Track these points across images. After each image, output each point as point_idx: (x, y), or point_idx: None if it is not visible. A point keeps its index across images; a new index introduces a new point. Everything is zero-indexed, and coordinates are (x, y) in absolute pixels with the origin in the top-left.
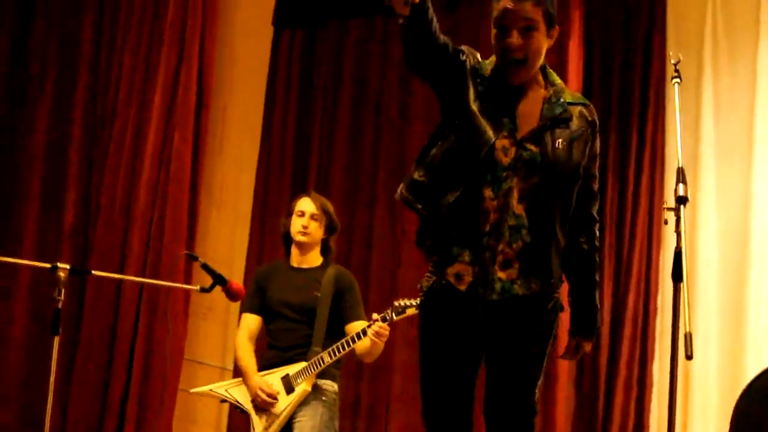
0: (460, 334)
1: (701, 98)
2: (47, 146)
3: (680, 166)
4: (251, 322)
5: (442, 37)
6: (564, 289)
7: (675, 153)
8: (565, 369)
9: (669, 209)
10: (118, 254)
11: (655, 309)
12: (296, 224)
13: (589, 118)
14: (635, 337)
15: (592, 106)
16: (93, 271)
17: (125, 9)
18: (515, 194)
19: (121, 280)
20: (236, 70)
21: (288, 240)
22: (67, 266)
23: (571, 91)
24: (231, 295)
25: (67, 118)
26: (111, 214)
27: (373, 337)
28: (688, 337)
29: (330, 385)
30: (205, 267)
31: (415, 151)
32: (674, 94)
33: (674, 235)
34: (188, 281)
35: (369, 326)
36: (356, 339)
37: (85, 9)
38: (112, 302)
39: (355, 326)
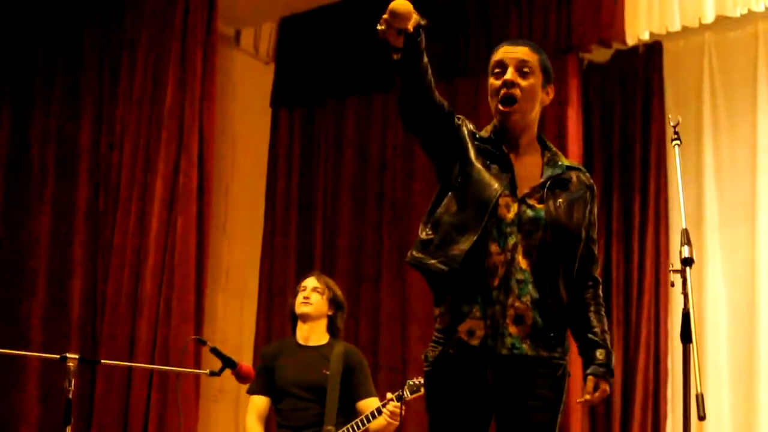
0: (469, 401)
1: (702, 159)
2: (51, 240)
3: (684, 227)
4: (259, 403)
5: (437, 94)
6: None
7: (678, 215)
8: None
9: (675, 271)
10: (126, 342)
11: (666, 371)
12: (299, 298)
13: (587, 183)
14: (647, 400)
15: (587, 173)
16: (102, 360)
17: (123, 95)
18: (520, 250)
19: (130, 368)
20: (237, 150)
21: (294, 318)
22: (76, 356)
23: (566, 157)
24: (241, 377)
25: (70, 211)
26: (118, 303)
27: (388, 418)
28: (700, 398)
29: None
30: (214, 351)
31: (419, 224)
32: (675, 155)
33: (681, 297)
34: (198, 365)
35: (384, 405)
36: (372, 417)
37: (85, 95)
38: (123, 390)
39: (368, 403)
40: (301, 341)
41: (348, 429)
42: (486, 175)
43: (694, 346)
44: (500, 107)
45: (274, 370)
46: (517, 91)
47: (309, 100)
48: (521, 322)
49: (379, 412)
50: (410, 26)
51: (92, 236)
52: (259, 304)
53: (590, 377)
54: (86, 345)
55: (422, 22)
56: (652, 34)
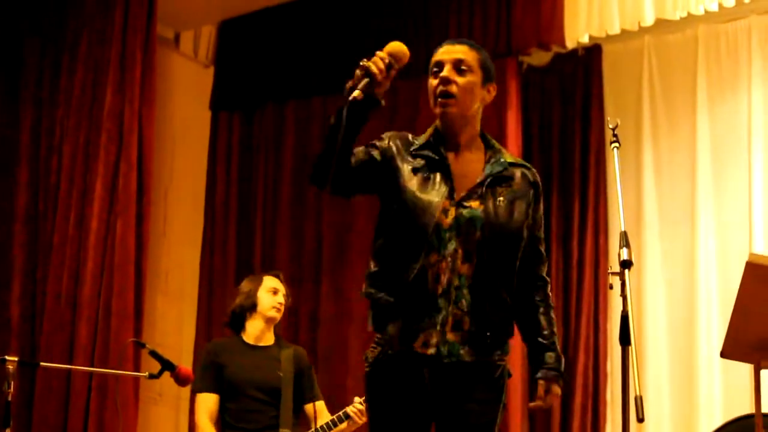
0: (407, 402)
1: (641, 162)
2: None
3: (623, 230)
4: (210, 401)
5: (353, 160)
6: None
7: (618, 217)
8: None
9: (614, 274)
10: (66, 345)
11: (605, 373)
12: (270, 300)
13: (531, 180)
14: (587, 402)
15: (534, 169)
16: (41, 363)
17: (63, 98)
18: (460, 254)
19: (69, 370)
20: (176, 153)
21: (241, 317)
22: (15, 359)
23: (510, 154)
24: (179, 380)
25: (8, 214)
26: (57, 306)
27: (356, 418)
28: (639, 400)
29: None
30: (153, 354)
31: (359, 226)
32: (614, 158)
33: (620, 300)
34: (137, 368)
35: (352, 406)
36: (345, 417)
37: (24, 98)
38: (62, 392)
39: (316, 406)
40: (250, 341)
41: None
42: (423, 198)
43: (633, 349)
44: (438, 101)
45: (224, 368)
46: (453, 87)
47: (248, 103)
48: (459, 328)
49: (347, 415)
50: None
51: (32, 238)
52: (199, 307)
53: (541, 381)
54: (25, 347)
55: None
56: (591, 37)
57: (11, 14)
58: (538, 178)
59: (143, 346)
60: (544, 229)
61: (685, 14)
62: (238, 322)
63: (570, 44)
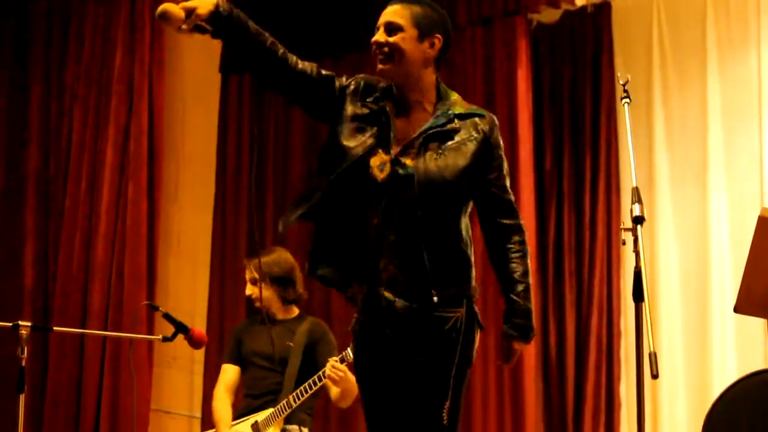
0: (377, 365)
1: (652, 119)
2: (2, 207)
3: (635, 186)
4: (229, 372)
5: (299, 64)
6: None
7: (629, 174)
8: (532, 396)
9: (626, 230)
10: (79, 309)
11: (619, 331)
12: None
13: (484, 128)
14: (600, 361)
15: (489, 116)
16: (55, 328)
17: (72, 61)
18: (394, 210)
19: (83, 335)
20: (187, 116)
21: None
22: (29, 324)
23: (468, 104)
24: (193, 342)
25: (20, 178)
26: (70, 270)
27: (328, 380)
28: (653, 357)
29: (297, 430)
30: (167, 316)
31: None
32: (624, 114)
33: (633, 256)
34: (151, 331)
35: (326, 368)
36: (318, 381)
37: (33, 62)
38: (76, 357)
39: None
40: (270, 316)
41: (297, 393)
42: (345, 144)
43: (646, 305)
44: (378, 61)
45: (242, 342)
46: (385, 50)
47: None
48: (394, 284)
49: (320, 378)
50: (203, 15)
51: (43, 203)
52: (212, 270)
53: (503, 339)
54: (38, 312)
55: (221, 7)
56: None
57: None
58: (495, 124)
59: (157, 309)
60: (556, 188)
61: None
62: None
63: (579, 1)
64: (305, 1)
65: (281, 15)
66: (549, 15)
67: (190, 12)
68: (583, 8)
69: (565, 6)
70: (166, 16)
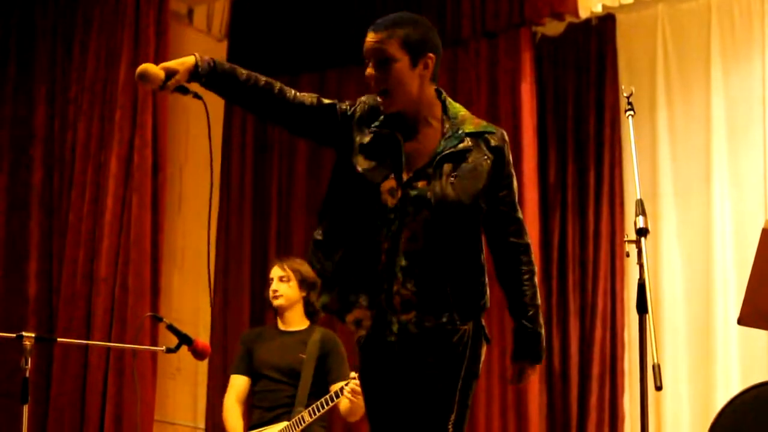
0: (384, 383)
1: (656, 130)
2: (6, 220)
3: (639, 198)
4: (239, 383)
5: (296, 96)
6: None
7: (633, 186)
8: (536, 408)
9: (630, 242)
10: (83, 321)
11: (623, 343)
12: (269, 292)
13: (493, 144)
14: (604, 372)
15: (500, 131)
16: (59, 339)
17: (77, 75)
18: (405, 234)
19: (87, 346)
20: (191, 128)
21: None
22: (33, 335)
23: (477, 119)
24: (197, 354)
25: (25, 191)
26: (74, 282)
27: (349, 395)
28: (657, 368)
29: None
30: (170, 327)
31: None
32: (629, 126)
33: (637, 268)
34: (154, 343)
35: (347, 384)
36: (335, 397)
37: (38, 76)
38: (80, 368)
39: (338, 386)
40: (281, 326)
41: (313, 408)
42: (366, 176)
43: (650, 317)
44: (378, 98)
45: (253, 353)
46: (380, 86)
47: None
48: (409, 307)
49: (342, 392)
50: (182, 80)
51: (48, 215)
52: (215, 284)
53: (515, 362)
54: (43, 323)
55: (199, 65)
56: (604, 6)
57: None
58: (506, 140)
59: (160, 320)
60: (560, 199)
61: None
62: (274, 311)
63: (583, 14)
64: (288, 18)
65: (266, 32)
66: (553, 28)
67: (170, 74)
68: (588, 21)
69: (569, 19)
70: (145, 77)
